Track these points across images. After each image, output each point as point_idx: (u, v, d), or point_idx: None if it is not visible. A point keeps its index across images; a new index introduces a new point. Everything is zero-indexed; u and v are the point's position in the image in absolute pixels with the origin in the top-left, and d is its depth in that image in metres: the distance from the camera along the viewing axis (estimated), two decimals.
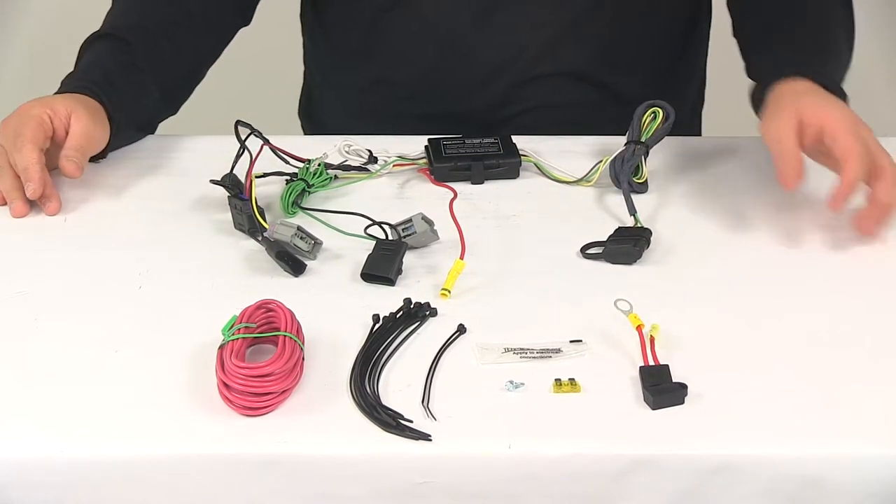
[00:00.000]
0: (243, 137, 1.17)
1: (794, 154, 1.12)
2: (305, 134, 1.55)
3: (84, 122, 1.22)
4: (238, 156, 1.16)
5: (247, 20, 1.42)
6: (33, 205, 1.20)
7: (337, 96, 1.48)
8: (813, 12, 1.29)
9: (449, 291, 1.07)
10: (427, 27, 1.34)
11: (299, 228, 1.12)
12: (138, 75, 1.29)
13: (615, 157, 1.23)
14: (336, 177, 1.25)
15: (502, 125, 1.35)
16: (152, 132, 1.33)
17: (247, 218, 1.14)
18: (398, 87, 1.40)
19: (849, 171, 1.10)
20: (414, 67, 1.38)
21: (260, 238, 1.12)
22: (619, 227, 1.17)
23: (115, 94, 1.26)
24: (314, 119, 1.53)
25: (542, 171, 1.27)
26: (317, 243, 1.12)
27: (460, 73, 1.35)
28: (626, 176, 1.22)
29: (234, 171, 1.15)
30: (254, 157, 1.16)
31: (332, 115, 1.49)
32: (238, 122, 1.19)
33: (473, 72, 1.35)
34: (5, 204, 1.20)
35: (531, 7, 1.32)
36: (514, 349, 1.00)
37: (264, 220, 1.14)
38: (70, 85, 1.26)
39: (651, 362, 0.97)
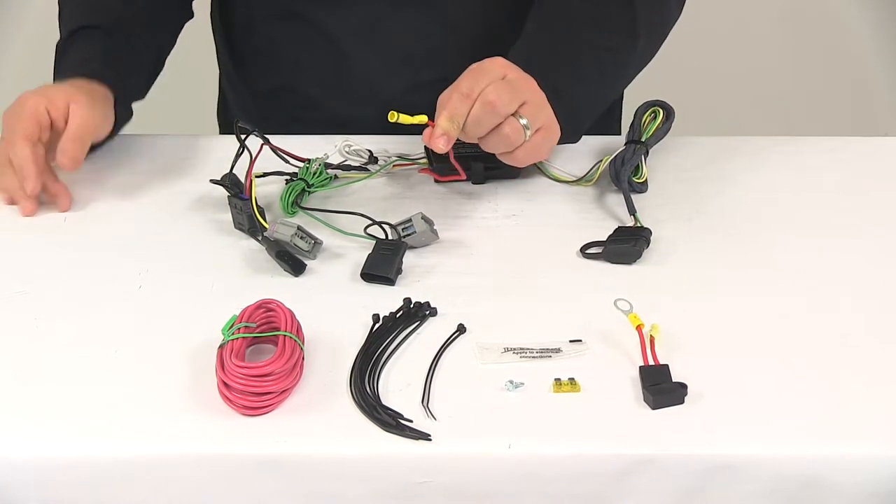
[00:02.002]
0: (243, 137, 1.17)
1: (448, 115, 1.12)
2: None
3: (83, 111, 1.19)
4: (238, 155, 1.16)
5: (190, 13, 1.43)
6: (39, 202, 1.20)
7: (242, 100, 1.49)
8: (574, 28, 1.27)
9: (397, 115, 1.09)
10: (319, 37, 1.35)
11: (299, 228, 1.12)
12: (128, 55, 1.28)
13: (615, 157, 1.23)
14: (336, 177, 1.25)
15: (401, 130, 1.34)
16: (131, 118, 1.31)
17: (247, 217, 1.14)
18: (297, 96, 1.41)
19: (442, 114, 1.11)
20: (310, 77, 1.39)
21: (260, 238, 1.12)
22: (619, 227, 1.17)
23: (114, 71, 1.24)
24: (228, 121, 1.52)
25: (542, 171, 1.27)
26: (317, 243, 1.12)
27: (353, 81, 1.35)
28: (626, 175, 1.22)
29: (233, 171, 1.15)
30: (253, 156, 1.16)
31: (242, 118, 1.47)
32: (237, 122, 1.19)
33: (365, 80, 1.35)
34: (14, 203, 1.19)
35: (415, 15, 1.33)
36: (514, 349, 1.00)
37: (264, 220, 1.14)
38: (67, 73, 1.23)
39: (651, 362, 0.97)
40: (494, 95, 1.11)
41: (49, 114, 1.19)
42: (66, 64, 1.28)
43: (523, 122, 1.13)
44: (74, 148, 1.18)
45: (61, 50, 1.30)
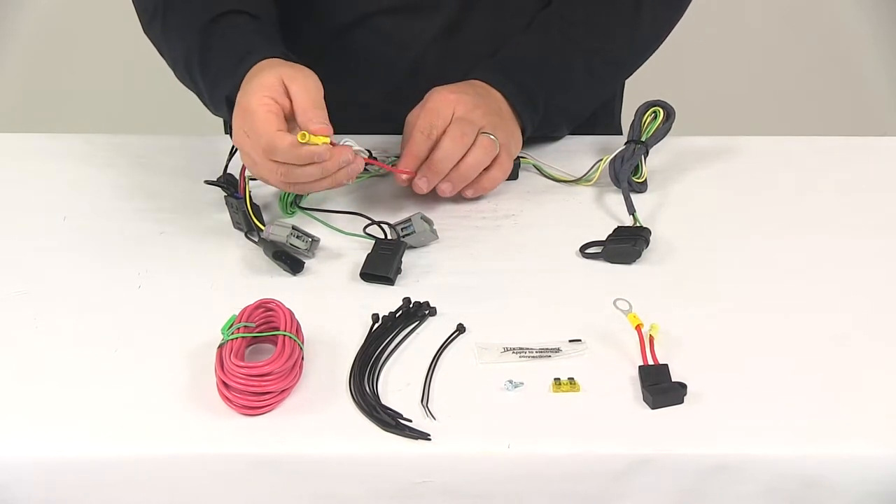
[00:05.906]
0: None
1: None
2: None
3: (299, 80, 1.12)
4: (231, 154, 1.16)
5: None
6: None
7: None
8: (553, 39, 1.30)
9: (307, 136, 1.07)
10: (390, 48, 1.33)
11: (294, 228, 1.11)
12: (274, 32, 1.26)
13: (615, 157, 1.23)
14: None
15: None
16: None
17: (243, 217, 1.14)
18: (364, 109, 1.35)
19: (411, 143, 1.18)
20: (380, 89, 1.36)
21: (257, 240, 1.12)
22: (619, 227, 1.17)
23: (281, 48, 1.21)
24: None
25: (541, 171, 1.27)
26: (314, 241, 1.12)
27: (426, 90, 1.31)
28: (626, 175, 1.22)
29: (230, 171, 1.15)
30: None
31: None
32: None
33: (436, 86, 1.31)
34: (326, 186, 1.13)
35: (492, 21, 1.32)
36: (514, 349, 1.00)
37: (259, 219, 1.13)
38: (251, 59, 1.16)
39: (650, 362, 0.97)
40: (459, 131, 1.18)
41: (276, 101, 1.11)
42: (223, 52, 1.21)
43: (492, 137, 1.19)
44: (319, 115, 1.10)
45: (205, 38, 1.23)
